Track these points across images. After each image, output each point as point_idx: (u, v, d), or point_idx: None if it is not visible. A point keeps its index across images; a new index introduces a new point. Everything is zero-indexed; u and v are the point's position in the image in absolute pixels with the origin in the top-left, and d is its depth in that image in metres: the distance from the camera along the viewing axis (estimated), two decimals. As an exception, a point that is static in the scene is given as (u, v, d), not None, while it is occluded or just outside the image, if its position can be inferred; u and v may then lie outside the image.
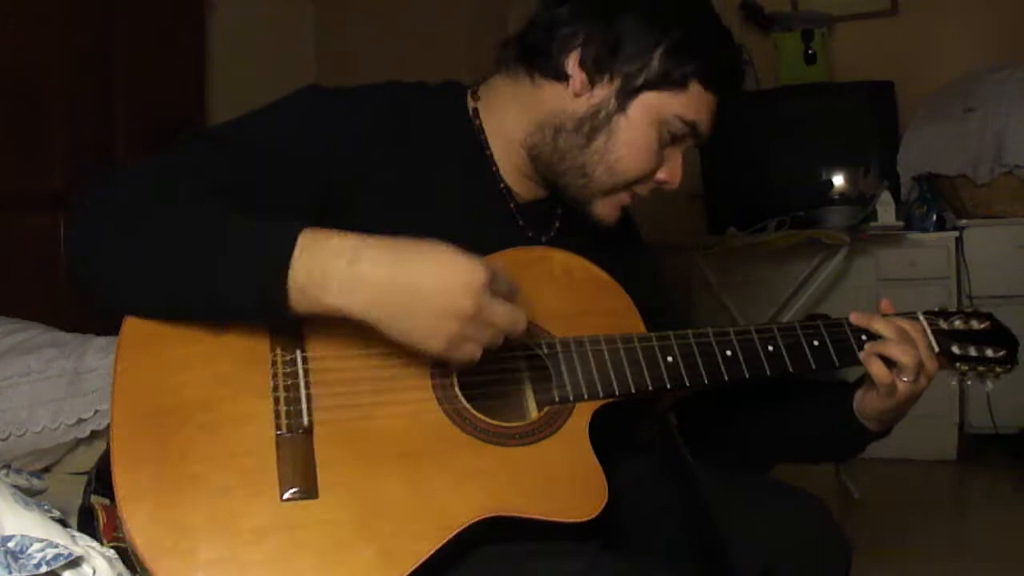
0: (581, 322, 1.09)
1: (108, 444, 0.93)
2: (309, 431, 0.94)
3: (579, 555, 0.95)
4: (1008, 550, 2.51)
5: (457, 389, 1.01)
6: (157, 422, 0.91)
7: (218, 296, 0.91)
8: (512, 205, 1.19)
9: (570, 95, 1.13)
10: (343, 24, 4.47)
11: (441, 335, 0.91)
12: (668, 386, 1.09)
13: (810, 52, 3.81)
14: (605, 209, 1.17)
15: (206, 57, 3.57)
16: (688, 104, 1.12)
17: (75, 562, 0.89)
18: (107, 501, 1.03)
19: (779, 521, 1.06)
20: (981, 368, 1.19)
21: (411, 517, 0.91)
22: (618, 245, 1.26)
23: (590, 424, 1.04)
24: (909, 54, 3.80)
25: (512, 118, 1.17)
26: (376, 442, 0.95)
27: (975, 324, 1.21)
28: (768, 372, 1.12)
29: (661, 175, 1.16)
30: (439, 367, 1.00)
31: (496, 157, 1.18)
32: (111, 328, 0.99)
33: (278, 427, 0.93)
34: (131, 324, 0.96)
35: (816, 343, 1.14)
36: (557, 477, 0.99)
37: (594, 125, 1.12)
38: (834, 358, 1.14)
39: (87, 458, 1.55)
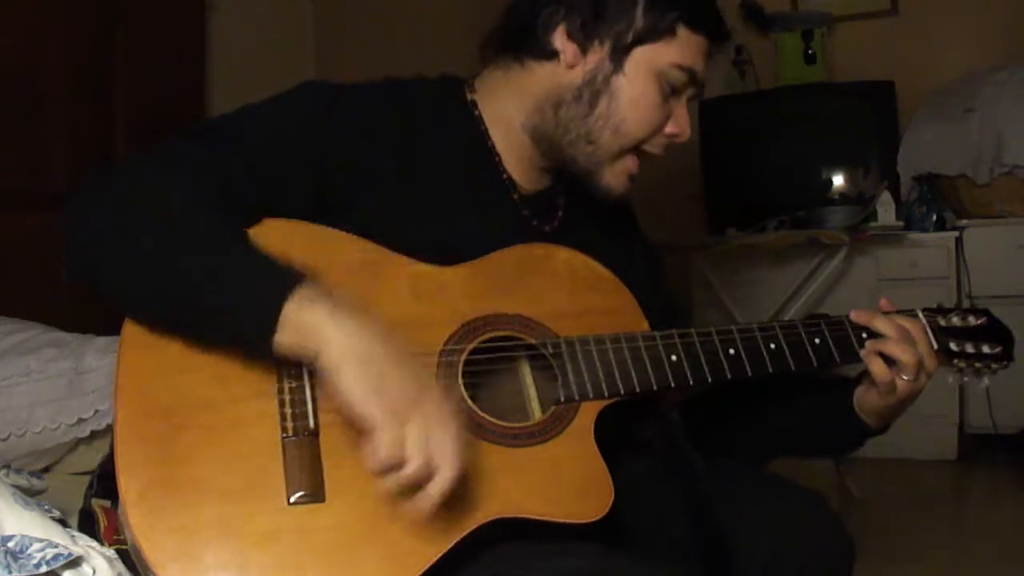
0: (584, 321, 1.08)
1: (111, 447, 0.92)
2: (315, 433, 0.93)
3: (583, 553, 0.94)
4: (1008, 550, 2.51)
5: (462, 389, 1.00)
6: (160, 423, 0.90)
7: (205, 323, 0.91)
8: (515, 195, 1.19)
9: (564, 69, 1.14)
10: (343, 24, 4.48)
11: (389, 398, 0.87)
12: (672, 385, 1.09)
13: (810, 52, 3.80)
14: (614, 179, 1.17)
15: (206, 57, 3.58)
16: (680, 50, 1.13)
17: (75, 562, 0.89)
18: (108, 503, 1.03)
19: (782, 519, 1.05)
20: (978, 364, 1.19)
21: (419, 520, 0.90)
22: (621, 235, 1.26)
23: (594, 424, 1.03)
24: (909, 54, 3.80)
25: (510, 106, 1.17)
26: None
27: (972, 320, 1.21)
28: (771, 370, 1.12)
29: (670, 128, 1.16)
30: (443, 368, 1.00)
31: (498, 148, 1.18)
32: (111, 328, 0.98)
33: (284, 429, 0.93)
34: (132, 325, 0.95)
35: (818, 341, 1.14)
36: (564, 478, 0.99)
37: (594, 90, 1.13)
38: (836, 356, 1.14)
39: (87, 458, 1.55)
